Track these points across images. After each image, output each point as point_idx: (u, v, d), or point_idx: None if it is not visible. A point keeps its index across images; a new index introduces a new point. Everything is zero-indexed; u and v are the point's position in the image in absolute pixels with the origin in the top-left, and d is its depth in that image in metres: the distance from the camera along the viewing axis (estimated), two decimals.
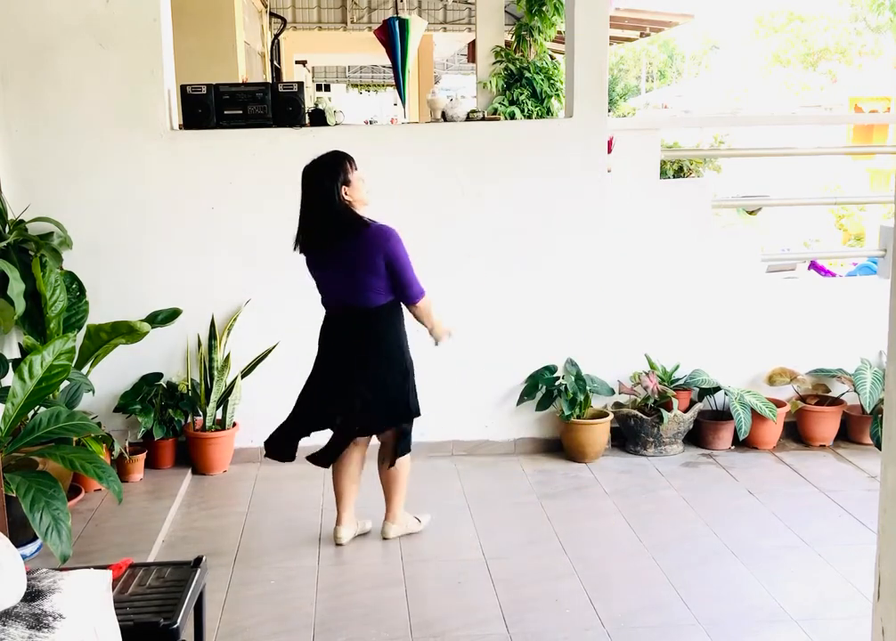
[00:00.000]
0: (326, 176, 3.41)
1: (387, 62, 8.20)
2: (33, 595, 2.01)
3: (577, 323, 4.71)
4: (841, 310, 4.95)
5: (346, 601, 3.27)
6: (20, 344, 4.06)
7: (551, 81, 7.39)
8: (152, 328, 4.18)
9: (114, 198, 4.43)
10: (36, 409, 3.48)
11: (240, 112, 4.41)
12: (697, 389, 4.83)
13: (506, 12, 8.01)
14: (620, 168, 4.82)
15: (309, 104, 4.60)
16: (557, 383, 4.65)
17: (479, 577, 3.43)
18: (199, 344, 4.56)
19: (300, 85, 4.57)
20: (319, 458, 3.64)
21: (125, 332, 4.05)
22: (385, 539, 3.76)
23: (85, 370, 4.12)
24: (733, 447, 4.79)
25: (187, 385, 4.50)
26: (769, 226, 11.27)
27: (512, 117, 6.95)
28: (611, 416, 4.68)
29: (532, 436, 4.80)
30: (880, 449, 2.58)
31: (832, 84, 25.19)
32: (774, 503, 4.09)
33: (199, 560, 2.58)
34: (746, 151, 9.71)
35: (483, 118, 4.80)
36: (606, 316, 4.73)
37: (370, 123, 12.47)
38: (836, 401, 4.87)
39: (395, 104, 19.85)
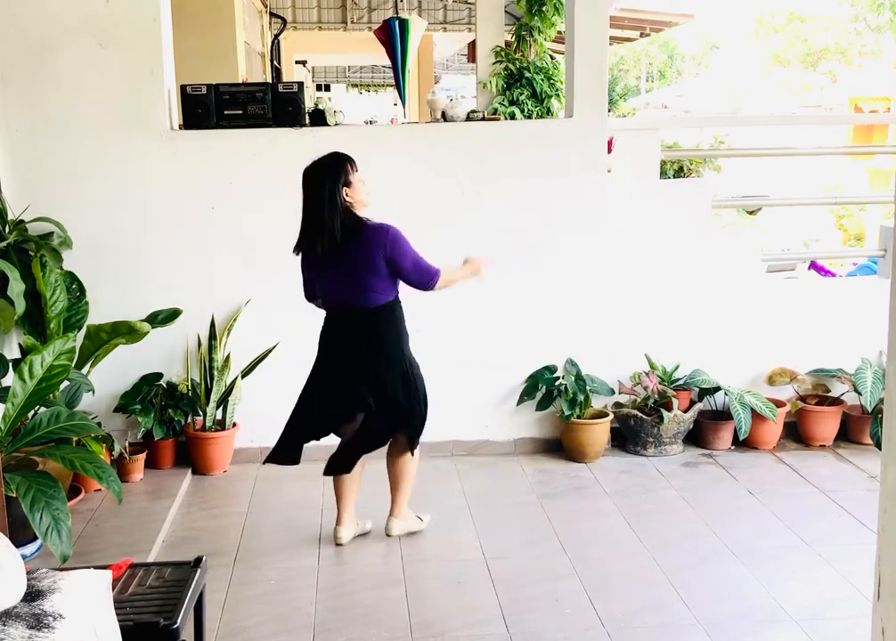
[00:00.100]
0: (327, 178, 3.41)
1: (387, 62, 8.21)
2: (33, 595, 2.01)
3: (577, 323, 4.71)
4: (841, 310, 4.94)
5: (346, 601, 3.27)
6: (20, 344, 4.06)
7: (551, 81, 7.39)
8: (152, 328, 4.17)
9: (114, 198, 4.43)
10: (36, 409, 3.48)
11: (240, 112, 4.41)
12: (697, 389, 4.83)
13: (506, 12, 8.01)
14: (620, 168, 4.82)
15: (309, 104, 4.60)
16: (557, 383, 4.65)
17: (479, 577, 3.43)
18: (199, 344, 4.56)
19: (300, 85, 4.57)
20: (334, 468, 3.63)
21: (125, 332, 4.05)
22: (388, 535, 3.75)
23: (85, 370, 4.12)
24: (733, 447, 4.79)
25: (187, 385, 4.50)
26: (769, 226, 11.27)
27: (512, 117, 6.95)
28: (611, 416, 4.68)
29: (532, 436, 4.80)
30: (880, 449, 2.58)
31: (832, 84, 25.19)
32: (774, 503, 4.09)
33: (199, 560, 2.58)
34: (746, 151, 9.71)
35: (483, 118, 4.80)
36: (606, 316, 4.73)
37: (370, 123, 12.47)
38: (836, 401, 4.87)
39: (395, 104, 19.85)
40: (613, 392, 4.75)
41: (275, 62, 11.32)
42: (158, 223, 4.47)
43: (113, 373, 4.38)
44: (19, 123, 4.33)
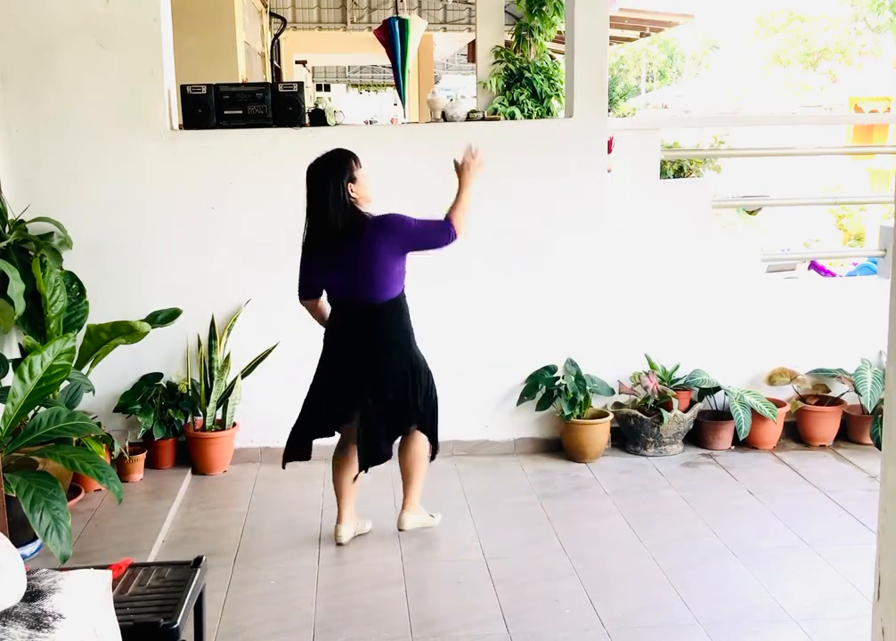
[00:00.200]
0: (332, 174, 3.41)
1: (387, 62, 8.20)
2: (33, 595, 2.01)
3: (577, 323, 4.71)
4: (841, 310, 4.94)
5: (346, 601, 3.27)
6: (20, 344, 4.06)
7: (551, 81, 7.39)
8: (152, 328, 4.17)
9: (114, 198, 4.43)
10: (36, 409, 3.48)
11: (240, 112, 4.41)
12: (697, 389, 4.83)
13: (506, 12, 8.02)
14: (620, 168, 4.82)
15: (309, 104, 4.60)
16: (557, 383, 4.65)
17: (479, 577, 3.43)
18: (199, 344, 4.56)
19: (300, 85, 4.57)
20: (365, 464, 3.59)
21: (125, 332, 4.05)
22: (401, 530, 3.73)
23: (85, 370, 4.12)
24: (733, 447, 4.79)
25: (187, 385, 4.50)
26: (769, 226, 11.27)
27: (512, 117, 6.95)
28: (611, 416, 4.68)
29: (532, 436, 4.80)
30: (880, 449, 2.58)
31: (832, 84, 25.19)
32: (774, 503, 4.09)
33: (199, 560, 2.58)
34: (746, 151, 9.70)
35: (483, 118, 4.80)
36: (606, 316, 4.73)
37: (370, 123, 12.46)
38: (836, 401, 4.87)
39: (395, 104, 19.84)
40: (613, 392, 4.75)
41: (275, 62, 11.32)
42: (158, 223, 4.47)
43: (113, 373, 4.38)
44: (19, 123, 4.33)
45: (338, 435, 3.72)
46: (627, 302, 4.77)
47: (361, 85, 23.03)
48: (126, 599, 2.37)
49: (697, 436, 4.81)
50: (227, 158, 4.47)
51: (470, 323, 4.67)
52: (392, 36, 7.42)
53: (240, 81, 7.52)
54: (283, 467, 3.69)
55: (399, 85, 7.76)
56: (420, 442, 3.68)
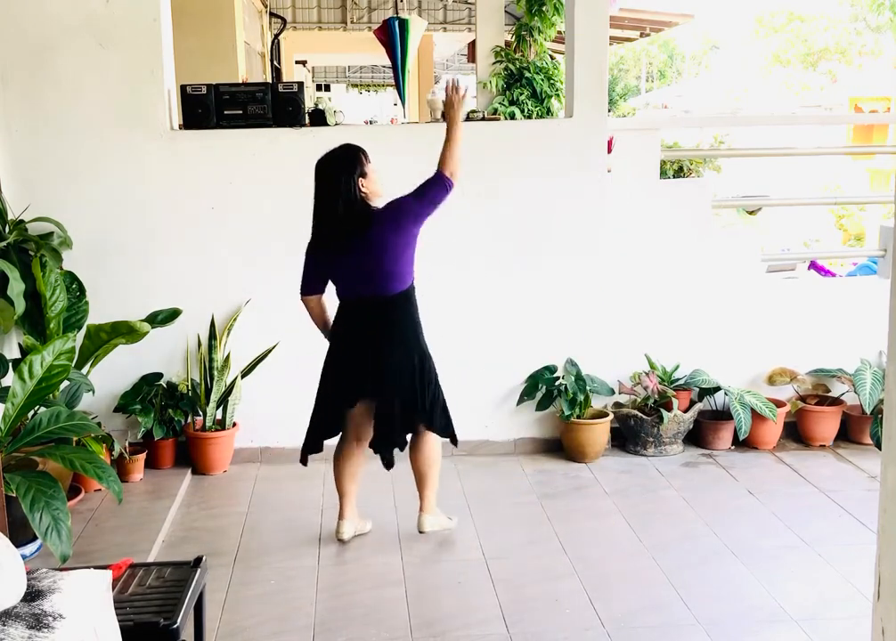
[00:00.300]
0: (343, 170, 3.40)
1: (387, 62, 8.19)
2: (33, 595, 2.01)
3: (577, 323, 4.71)
4: (841, 310, 4.95)
5: (346, 601, 3.27)
6: (20, 344, 4.06)
7: (551, 81, 7.40)
8: (152, 328, 4.17)
9: (114, 198, 4.43)
10: (36, 409, 3.48)
11: (240, 112, 4.41)
12: (697, 389, 4.83)
13: (506, 12, 8.02)
14: (620, 168, 4.82)
15: (309, 104, 4.60)
16: (557, 383, 4.65)
17: (479, 577, 3.43)
18: (199, 344, 4.56)
19: (300, 85, 4.57)
20: (381, 447, 3.58)
21: (125, 332, 4.05)
22: (421, 532, 3.72)
23: (85, 370, 4.12)
24: (733, 447, 4.79)
25: (187, 385, 4.50)
26: (769, 226, 11.27)
27: (512, 117, 6.95)
28: (611, 416, 4.68)
29: (532, 436, 4.80)
30: (880, 449, 2.57)
31: (832, 84, 25.19)
32: (774, 503, 4.09)
33: (199, 560, 2.58)
34: (746, 151, 9.70)
35: (483, 118, 4.80)
36: (606, 316, 4.73)
37: (370, 123, 12.46)
38: (836, 401, 4.87)
39: (395, 104, 19.85)
40: (613, 392, 4.75)
41: (275, 62, 11.32)
42: (158, 223, 4.47)
43: (113, 373, 4.38)
44: (19, 123, 4.33)
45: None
46: (627, 302, 4.77)
47: (361, 85, 23.03)
48: (126, 599, 2.37)
49: (697, 436, 4.81)
50: (227, 158, 4.47)
51: (470, 323, 4.66)
52: (392, 36, 7.42)
53: (240, 81, 7.52)
54: (304, 464, 3.68)
55: (399, 85, 7.75)
56: (431, 443, 3.66)
